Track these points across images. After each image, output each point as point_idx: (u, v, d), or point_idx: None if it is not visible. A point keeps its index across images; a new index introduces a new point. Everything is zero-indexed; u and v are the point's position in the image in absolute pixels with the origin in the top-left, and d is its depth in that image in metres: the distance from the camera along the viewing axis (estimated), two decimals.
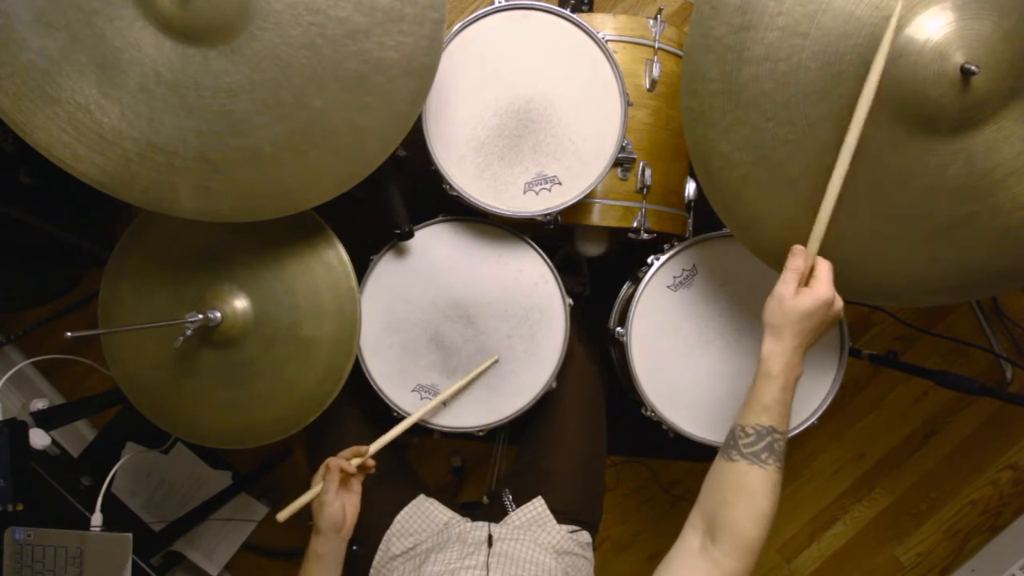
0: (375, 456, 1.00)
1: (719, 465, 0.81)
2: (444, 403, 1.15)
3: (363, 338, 1.13)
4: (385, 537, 1.09)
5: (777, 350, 0.81)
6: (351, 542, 1.09)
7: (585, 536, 1.10)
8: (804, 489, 1.75)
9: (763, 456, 0.78)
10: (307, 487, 0.97)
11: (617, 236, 1.28)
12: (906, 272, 0.98)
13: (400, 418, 1.15)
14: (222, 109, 0.86)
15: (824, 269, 0.85)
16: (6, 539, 1.04)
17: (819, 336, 0.85)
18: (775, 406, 0.80)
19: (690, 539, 0.80)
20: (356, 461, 0.96)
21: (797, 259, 0.85)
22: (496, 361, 1.15)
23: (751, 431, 0.79)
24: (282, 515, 0.93)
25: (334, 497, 0.91)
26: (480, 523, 1.07)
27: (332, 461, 0.93)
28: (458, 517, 1.11)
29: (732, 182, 0.98)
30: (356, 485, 0.97)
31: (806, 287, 0.84)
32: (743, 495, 0.77)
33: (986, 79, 0.81)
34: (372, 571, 1.07)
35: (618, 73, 1.07)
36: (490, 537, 1.01)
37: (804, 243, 0.89)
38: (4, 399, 1.52)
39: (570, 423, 1.19)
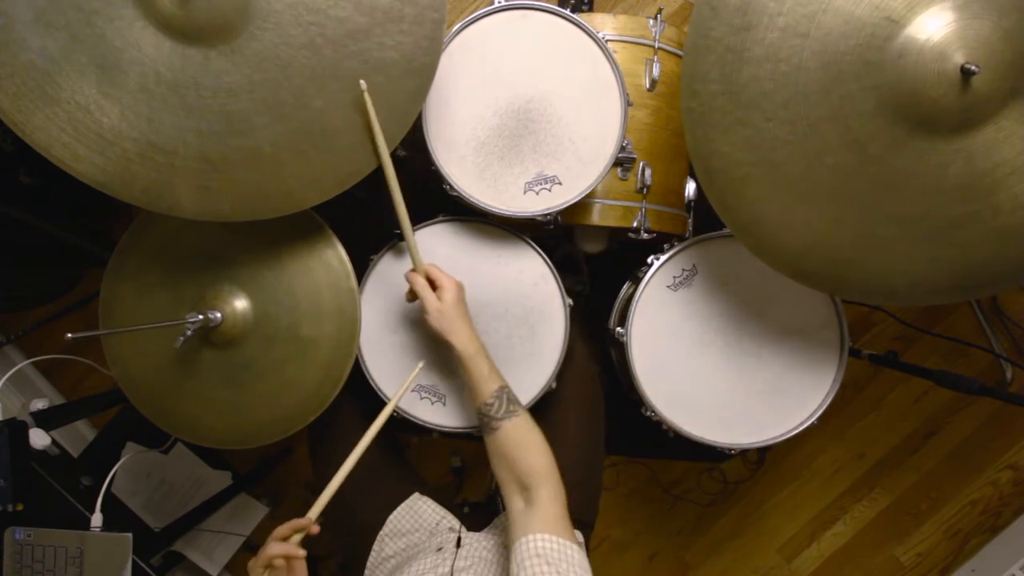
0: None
1: (491, 441, 0.95)
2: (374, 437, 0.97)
3: (363, 338, 1.13)
4: (379, 537, 1.09)
5: (462, 338, 0.97)
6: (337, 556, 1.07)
7: (577, 535, 1.10)
8: (804, 489, 1.75)
9: (511, 409, 0.94)
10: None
11: (617, 236, 1.28)
12: (906, 272, 0.98)
13: (402, 419, 1.15)
14: (222, 109, 0.86)
15: (436, 271, 1.01)
16: (6, 539, 1.04)
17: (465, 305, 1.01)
18: (490, 370, 0.96)
19: (514, 503, 0.91)
20: (296, 538, 0.86)
21: (418, 279, 1.00)
22: (421, 366, 1.10)
23: (492, 399, 0.94)
24: None
25: None
26: (463, 534, 1.05)
27: (276, 553, 0.81)
28: (450, 516, 1.11)
29: (733, 182, 0.98)
30: (301, 563, 0.84)
31: (440, 289, 0.99)
32: (521, 446, 0.93)
33: (986, 79, 0.81)
34: (367, 571, 1.07)
35: (618, 73, 1.07)
36: (459, 540, 1.01)
37: None
38: (4, 399, 1.52)
39: (570, 423, 1.19)
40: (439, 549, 1.00)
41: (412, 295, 1.04)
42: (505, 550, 0.98)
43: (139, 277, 1.08)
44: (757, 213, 0.99)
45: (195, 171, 0.89)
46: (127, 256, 1.08)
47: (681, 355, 1.16)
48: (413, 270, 1.03)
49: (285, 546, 0.83)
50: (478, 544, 1.00)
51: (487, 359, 0.97)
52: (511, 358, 1.16)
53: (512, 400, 0.96)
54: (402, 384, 1.08)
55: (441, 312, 0.98)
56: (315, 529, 0.87)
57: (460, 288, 1.01)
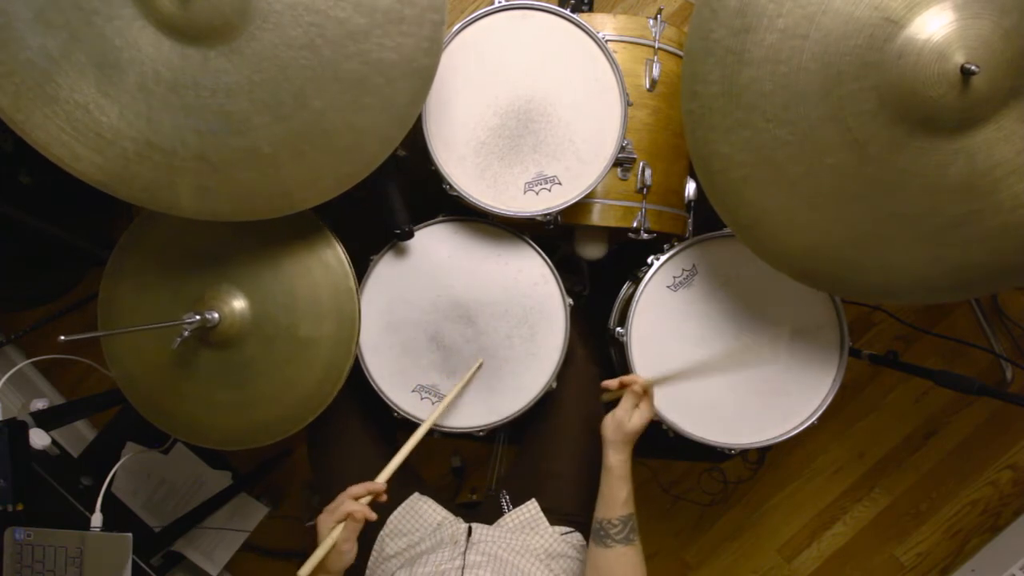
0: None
1: (599, 552, 0.97)
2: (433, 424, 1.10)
3: (363, 338, 1.13)
4: (379, 537, 1.09)
5: (622, 459, 0.99)
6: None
7: (578, 538, 1.10)
8: (804, 489, 1.75)
9: (631, 536, 0.96)
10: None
11: (617, 236, 1.28)
12: (908, 271, 0.98)
13: (402, 419, 1.16)
14: (221, 109, 0.86)
15: (652, 393, 1.02)
16: (6, 539, 1.04)
17: None
18: (629, 498, 0.98)
19: None
20: (366, 499, 0.91)
21: (637, 389, 1.00)
22: (480, 365, 1.15)
23: (618, 522, 0.96)
24: (304, 570, 0.84)
25: (353, 544, 0.89)
26: (474, 524, 1.07)
27: (355, 510, 0.88)
28: (452, 517, 1.11)
29: (733, 183, 0.98)
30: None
31: (637, 408, 1.00)
32: (629, 569, 0.95)
33: (986, 79, 0.81)
34: (367, 571, 1.07)
35: (618, 73, 1.07)
36: (468, 530, 1.03)
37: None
38: (4, 399, 1.52)
39: (570, 424, 1.19)
40: (455, 543, 1.01)
41: (610, 394, 1.04)
42: (523, 553, 1.00)
43: (138, 277, 1.08)
44: (758, 213, 0.99)
45: (194, 171, 0.89)
46: (127, 255, 1.08)
47: (681, 355, 1.16)
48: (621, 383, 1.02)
49: (360, 506, 0.89)
50: (492, 541, 1.01)
51: (629, 486, 0.99)
52: (511, 358, 1.16)
53: (634, 529, 0.97)
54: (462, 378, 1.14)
55: (626, 429, 0.98)
56: (384, 497, 0.93)
57: (648, 422, 1.02)
